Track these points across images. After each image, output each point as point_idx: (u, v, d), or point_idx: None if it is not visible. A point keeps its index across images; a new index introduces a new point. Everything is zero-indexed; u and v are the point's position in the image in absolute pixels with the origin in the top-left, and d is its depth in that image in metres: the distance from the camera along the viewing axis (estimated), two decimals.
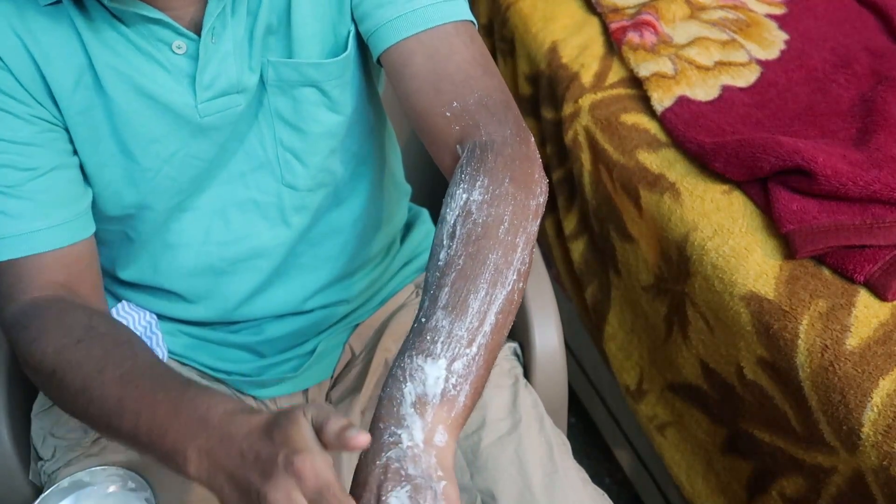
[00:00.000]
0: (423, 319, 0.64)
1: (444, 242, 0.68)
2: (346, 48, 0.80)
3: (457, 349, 0.62)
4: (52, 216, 0.76)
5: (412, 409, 0.60)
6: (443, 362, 0.62)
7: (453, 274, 0.65)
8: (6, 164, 0.74)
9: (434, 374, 0.61)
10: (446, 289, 0.65)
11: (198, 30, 0.75)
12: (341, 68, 0.81)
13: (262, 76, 0.79)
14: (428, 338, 0.63)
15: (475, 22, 0.81)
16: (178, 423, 0.63)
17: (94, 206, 0.82)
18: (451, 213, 0.69)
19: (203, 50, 0.75)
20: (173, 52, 0.76)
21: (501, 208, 0.68)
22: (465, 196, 0.69)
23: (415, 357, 0.62)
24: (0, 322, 0.77)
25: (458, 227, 0.68)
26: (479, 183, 0.69)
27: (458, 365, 0.62)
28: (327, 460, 0.57)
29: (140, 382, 0.67)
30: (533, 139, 0.76)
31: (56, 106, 0.76)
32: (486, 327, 0.64)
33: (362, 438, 0.56)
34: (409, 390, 0.61)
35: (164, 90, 0.76)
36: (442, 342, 0.62)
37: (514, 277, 0.67)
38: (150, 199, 0.81)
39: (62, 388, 0.71)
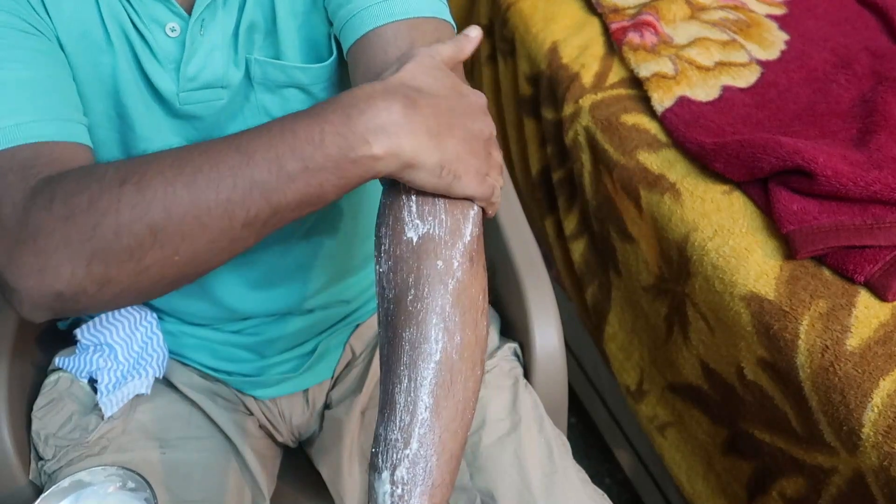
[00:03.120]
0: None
1: (379, 333, 0.64)
2: (331, 51, 0.79)
3: (394, 455, 0.59)
4: (54, 111, 0.67)
5: None
6: (386, 475, 0.59)
7: (382, 369, 0.62)
8: (13, 59, 0.67)
9: (382, 489, 0.59)
10: (381, 388, 0.61)
11: (190, 12, 0.75)
12: (328, 72, 0.80)
13: (248, 73, 0.79)
14: (373, 450, 0.60)
15: (442, 17, 0.73)
16: (332, 125, 0.60)
17: None
18: (377, 296, 0.64)
19: (190, 40, 0.75)
20: (166, 34, 0.75)
21: (404, 272, 0.62)
22: (378, 269, 0.64)
23: (369, 473, 0.60)
24: (10, 205, 0.62)
25: (381, 313, 0.63)
26: (382, 248, 0.64)
27: (400, 472, 0.59)
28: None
29: (243, 131, 0.62)
30: None
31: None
32: (422, 414, 0.59)
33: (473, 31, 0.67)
34: None
35: (150, 68, 0.75)
36: (381, 452, 0.59)
37: (443, 338, 0.61)
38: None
39: (143, 191, 0.59)
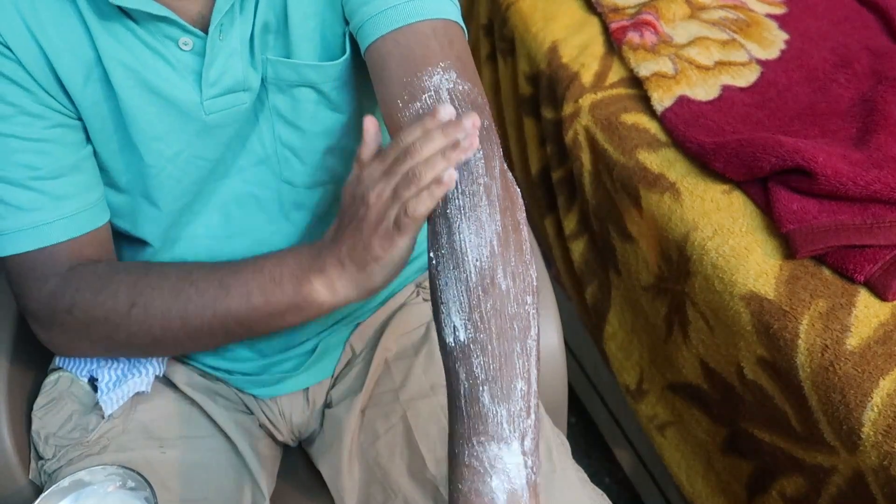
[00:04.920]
0: (467, 397, 0.62)
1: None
2: (344, 50, 0.80)
3: (522, 424, 0.61)
4: (67, 207, 0.78)
5: None
6: (516, 445, 0.61)
7: (476, 348, 0.63)
8: (20, 164, 0.75)
9: (514, 461, 0.60)
10: (481, 361, 0.62)
11: (204, 26, 0.76)
12: (340, 71, 0.80)
13: (263, 75, 0.79)
14: (491, 419, 0.61)
15: (461, 24, 0.78)
16: (289, 267, 0.74)
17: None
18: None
19: (210, 46, 0.76)
20: (179, 48, 0.76)
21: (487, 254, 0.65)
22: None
23: (487, 444, 0.60)
24: (36, 302, 0.79)
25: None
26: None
27: (527, 442, 0.61)
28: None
29: (231, 263, 0.77)
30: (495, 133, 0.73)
31: (68, 98, 0.76)
32: (533, 385, 0.63)
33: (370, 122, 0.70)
34: (498, 486, 0.60)
35: (169, 86, 0.76)
36: (508, 421, 0.61)
37: (536, 315, 0.65)
38: (155, 196, 0.81)
39: (148, 313, 0.76)
